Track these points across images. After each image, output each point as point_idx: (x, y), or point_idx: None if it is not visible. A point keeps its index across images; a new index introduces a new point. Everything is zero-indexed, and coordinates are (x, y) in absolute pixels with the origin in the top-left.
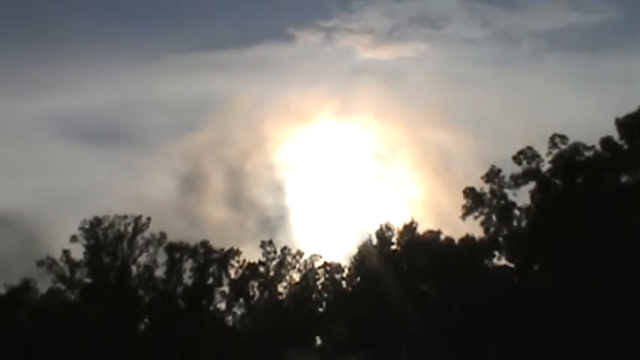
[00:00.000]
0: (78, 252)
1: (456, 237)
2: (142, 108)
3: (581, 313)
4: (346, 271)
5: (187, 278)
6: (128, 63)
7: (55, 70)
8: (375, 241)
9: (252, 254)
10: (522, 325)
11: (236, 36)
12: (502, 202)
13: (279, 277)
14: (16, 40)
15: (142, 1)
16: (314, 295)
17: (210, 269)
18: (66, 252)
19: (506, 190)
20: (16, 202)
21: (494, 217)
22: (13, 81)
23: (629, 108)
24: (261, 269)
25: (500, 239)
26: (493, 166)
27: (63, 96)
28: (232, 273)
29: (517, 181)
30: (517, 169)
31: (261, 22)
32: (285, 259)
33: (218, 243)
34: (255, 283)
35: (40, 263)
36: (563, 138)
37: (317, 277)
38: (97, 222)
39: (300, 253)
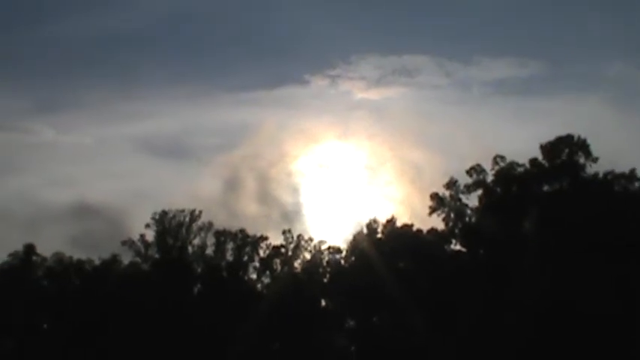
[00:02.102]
0: (150, 235)
1: (425, 229)
2: (198, 131)
3: (512, 280)
4: (344, 252)
5: (229, 256)
6: (188, 99)
7: (138, 105)
8: (365, 230)
9: (275, 239)
10: (470, 291)
11: (266, 80)
12: (458, 204)
13: (295, 256)
14: (110, 84)
15: (198, 55)
16: (320, 270)
17: (246, 249)
18: (142, 235)
19: (460, 195)
20: (107, 198)
21: (452, 215)
22: (109, 113)
23: (550, 137)
24: (282, 250)
25: (456, 231)
26: (452, 177)
27: (143, 123)
28: (261, 252)
29: (469, 188)
30: (469, 180)
31: (285, 71)
32: (299, 243)
33: (251, 230)
34: (278, 260)
35: (123, 243)
36: (502, 158)
37: (322, 256)
38: (164, 214)
39: (310, 239)
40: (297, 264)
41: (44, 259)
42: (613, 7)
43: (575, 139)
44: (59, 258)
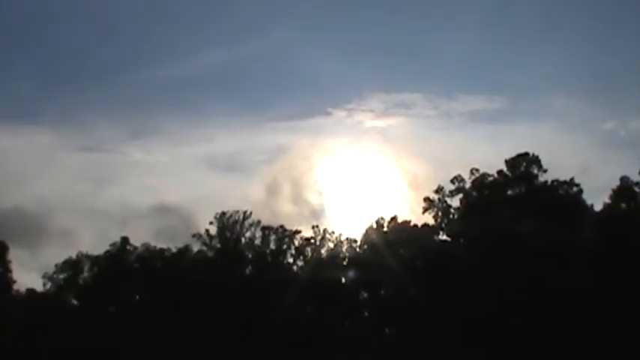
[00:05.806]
0: (213, 230)
1: (419, 223)
2: (248, 151)
3: (485, 265)
4: (358, 242)
5: (272, 245)
6: (241, 127)
7: (203, 132)
8: (374, 225)
9: (307, 232)
10: (452, 270)
11: (299, 112)
12: (444, 204)
13: (322, 245)
14: (182, 116)
15: (247, 93)
16: (340, 255)
17: (284, 240)
18: (207, 230)
19: (446, 198)
20: (180, 201)
21: (439, 213)
22: (181, 138)
23: (512, 154)
24: (312, 241)
25: (443, 225)
26: (439, 185)
27: (206, 145)
28: (296, 243)
29: (452, 193)
30: (452, 187)
31: (313, 105)
32: (325, 235)
33: (289, 225)
34: (309, 249)
35: (193, 235)
36: (477, 170)
37: (342, 245)
38: (223, 214)
39: (333, 232)
40: (323, 251)
41: (135, 247)
42: (562, 53)
43: (531, 155)
44: (146, 247)
